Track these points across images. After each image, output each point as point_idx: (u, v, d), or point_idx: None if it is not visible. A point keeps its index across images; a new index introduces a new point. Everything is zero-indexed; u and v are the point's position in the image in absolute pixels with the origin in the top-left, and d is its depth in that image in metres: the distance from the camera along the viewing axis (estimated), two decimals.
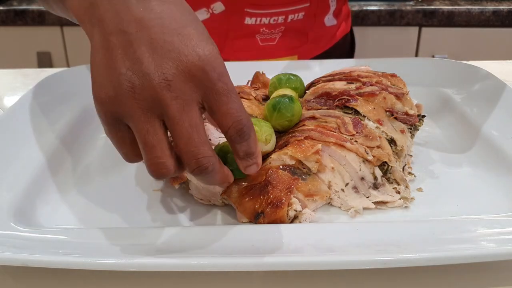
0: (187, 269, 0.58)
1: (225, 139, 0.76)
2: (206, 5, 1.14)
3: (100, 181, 0.79)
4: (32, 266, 0.58)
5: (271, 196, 0.65)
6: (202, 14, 1.15)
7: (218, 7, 1.13)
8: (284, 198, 0.65)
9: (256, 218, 0.65)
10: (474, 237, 0.62)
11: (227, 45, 1.19)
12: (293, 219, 0.66)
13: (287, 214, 0.65)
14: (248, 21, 1.13)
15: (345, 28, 1.37)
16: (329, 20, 1.27)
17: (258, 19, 1.13)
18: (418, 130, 0.82)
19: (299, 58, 1.25)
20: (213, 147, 0.70)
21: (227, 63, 1.11)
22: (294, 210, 0.65)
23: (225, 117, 0.54)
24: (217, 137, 0.75)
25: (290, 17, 1.15)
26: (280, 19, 1.15)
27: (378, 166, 0.73)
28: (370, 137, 0.73)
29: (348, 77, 0.85)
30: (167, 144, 0.53)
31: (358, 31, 2.12)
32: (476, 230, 0.63)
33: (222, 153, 0.65)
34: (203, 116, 0.74)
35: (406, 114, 0.79)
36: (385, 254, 0.57)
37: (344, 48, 1.38)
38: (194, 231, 0.65)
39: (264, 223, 0.64)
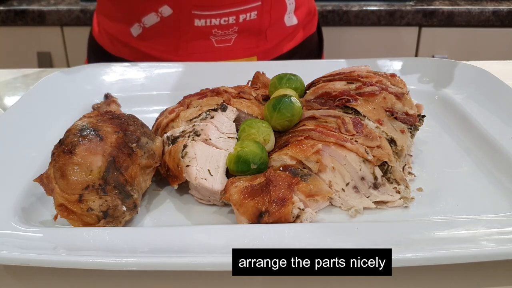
0: (187, 269, 0.58)
1: (225, 140, 0.76)
2: (154, 9, 1.13)
3: None
4: (32, 266, 0.58)
5: (274, 195, 0.65)
6: (152, 18, 1.14)
7: (166, 11, 1.12)
8: (287, 196, 0.65)
9: (259, 217, 0.65)
10: (474, 237, 0.62)
11: (181, 47, 1.17)
12: (295, 219, 0.66)
13: (291, 212, 0.65)
14: (198, 23, 1.11)
15: (310, 28, 1.32)
16: (289, 19, 1.23)
17: (208, 20, 1.11)
18: (418, 130, 0.82)
19: (258, 59, 1.21)
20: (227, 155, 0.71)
21: (227, 63, 1.11)
22: (298, 208, 0.65)
23: None
24: (217, 137, 0.75)
25: (241, 17, 1.13)
26: (231, 19, 1.13)
27: (378, 166, 0.73)
28: (370, 137, 0.73)
29: (348, 77, 0.85)
30: None
31: (358, 31, 2.13)
32: (476, 230, 0.63)
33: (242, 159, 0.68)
34: (208, 116, 0.75)
35: (406, 114, 0.79)
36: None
37: (310, 49, 1.33)
38: (194, 231, 0.65)
39: (268, 223, 0.64)
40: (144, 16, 1.14)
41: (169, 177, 0.73)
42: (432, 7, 2.10)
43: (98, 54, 1.28)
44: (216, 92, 0.84)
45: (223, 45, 1.17)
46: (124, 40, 1.20)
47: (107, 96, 0.98)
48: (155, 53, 1.19)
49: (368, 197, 0.72)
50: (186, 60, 1.17)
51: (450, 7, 2.10)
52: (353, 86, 0.82)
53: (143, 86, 1.05)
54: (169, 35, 1.16)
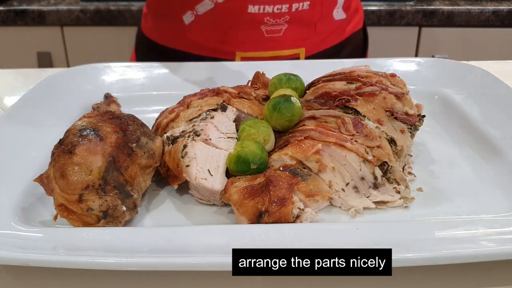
0: (187, 269, 0.58)
1: (225, 139, 0.76)
2: None
3: None
4: (32, 266, 0.58)
5: (274, 195, 0.65)
6: (207, 5, 1.15)
7: None
8: (287, 196, 0.65)
9: (259, 217, 0.65)
10: (474, 237, 0.62)
11: (231, 36, 1.19)
12: (295, 219, 0.66)
13: (291, 212, 0.65)
14: (251, 9, 1.13)
15: (357, 24, 1.35)
16: (338, 13, 1.25)
17: (262, 7, 1.13)
18: (418, 130, 0.82)
19: (306, 52, 1.23)
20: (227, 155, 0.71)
21: (227, 63, 1.11)
22: (298, 208, 0.65)
23: None
24: (217, 137, 0.75)
25: (294, 6, 1.14)
26: (284, 7, 1.14)
27: (378, 166, 0.73)
28: (370, 137, 0.73)
29: (348, 77, 0.85)
30: None
31: None
32: (476, 230, 0.63)
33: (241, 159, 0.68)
34: (208, 116, 0.75)
35: (406, 114, 0.79)
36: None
37: (356, 44, 1.36)
38: (194, 231, 0.65)
39: (268, 222, 0.64)
40: (198, 3, 1.15)
41: (169, 177, 0.73)
42: (432, 7, 2.10)
43: (147, 48, 1.30)
44: (216, 92, 0.84)
45: (273, 36, 1.18)
46: (175, 29, 1.21)
47: (107, 96, 0.98)
48: (205, 41, 1.20)
49: (368, 197, 0.72)
50: (236, 50, 1.19)
51: (450, 7, 2.10)
52: (353, 86, 0.82)
53: (143, 86, 1.05)
54: (220, 23, 1.17)
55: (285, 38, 1.19)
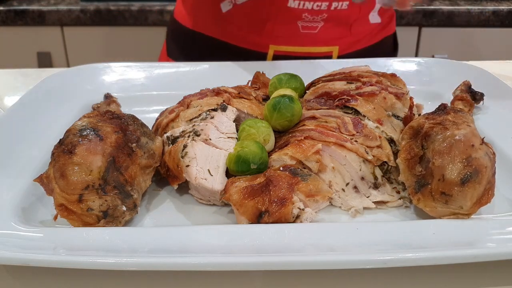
0: (187, 269, 0.58)
1: (225, 139, 0.76)
2: None
3: None
4: (32, 266, 0.58)
5: (274, 195, 0.65)
6: None
7: None
8: (287, 196, 0.65)
9: (259, 217, 0.65)
10: (474, 237, 0.62)
11: (267, 28, 1.19)
12: (295, 219, 0.66)
13: (291, 212, 0.65)
14: (291, 3, 1.13)
15: (389, 29, 1.36)
16: (374, 17, 1.26)
17: (302, 2, 1.13)
18: None
19: (340, 51, 1.24)
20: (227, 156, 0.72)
21: (227, 62, 1.11)
22: (298, 208, 0.65)
23: None
24: (217, 137, 0.75)
25: (334, 4, 1.14)
26: (324, 5, 1.14)
27: (378, 166, 0.73)
28: (370, 137, 0.73)
29: (348, 77, 0.85)
30: None
31: None
32: (476, 230, 0.63)
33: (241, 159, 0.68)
34: (208, 116, 0.75)
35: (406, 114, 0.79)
36: (385, 254, 0.57)
37: (386, 48, 1.37)
38: (194, 231, 0.65)
39: (268, 222, 0.64)
40: None
41: (169, 177, 0.73)
42: (432, 7, 2.10)
43: (179, 34, 1.30)
44: (216, 92, 0.84)
45: (308, 32, 1.18)
46: (212, 15, 1.21)
47: (107, 96, 0.98)
48: (239, 31, 1.20)
49: (368, 197, 0.72)
50: (270, 43, 1.19)
51: (450, 7, 2.10)
52: (353, 86, 0.82)
53: (143, 86, 1.05)
54: (258, 14, 1.17)
55: (320, 35, 1.20)
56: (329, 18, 1.17)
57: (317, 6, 1.14)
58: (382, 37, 1.33)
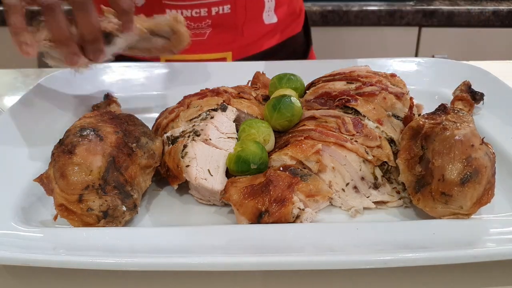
0: (187, 269, 0.58)
1: (225, 140, 0.76)
2: None
3: None
4: (32, 266, 0.58)
5: (274, 195, 0.65)
6: None
7: (139, 0, 1.11)
8: (287, 196, 0.65)
9: (259, 217, 0.65)
10: (474, 237, 0.62)
11: None
12: (295, 219, 0.66)
13: (291, 212, 0.65)
14: (169, 13, 1.08)
15: (294, 28, 1.31)
16: (269, 17, 1.22)
17: (179, 11, 1.11)
18: None
19: (233, 56, 1.21)
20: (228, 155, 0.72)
21: (227, 63, 1.10)
22: (298, 208, 0.65)
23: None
24: (217, 137, 0.75)
25: (213, 9, 1.12)
26: (203, 11, 1.12)
27: (378, 166, 0.73)
28: (370, 137, 0.73)
29: (348, 77, 0.84)
30: None
31: (358, 31, 2.13)
32: (476, 230, 0.63)
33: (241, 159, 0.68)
34: (208, 116, 0.75)
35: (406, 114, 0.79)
36: (385, 254, 0.57)
37: (293, 49, 1.32)
38: (194, 231, 0.65)
39: (268, 222, 0.64)
40: None
41: (169, 177, 0.73)
42: (432, 7, 2.10)
43: None
44: (216, 92, 0.84)
45: (197, 39, 1.16)
46: None
47: (107, 96, 0.98)
48: None
49: (368, 197, 0.72)
50: None
51: (450, 7, 2.10)
52: (353, 86, 0.82)
53: (143, 86, 1.05)
54: None
55: (210, 41, 1.18)
56: (214, 24, 1.16)
57: (196, 13, 1.12)
58: (286, 37, 1.29)
